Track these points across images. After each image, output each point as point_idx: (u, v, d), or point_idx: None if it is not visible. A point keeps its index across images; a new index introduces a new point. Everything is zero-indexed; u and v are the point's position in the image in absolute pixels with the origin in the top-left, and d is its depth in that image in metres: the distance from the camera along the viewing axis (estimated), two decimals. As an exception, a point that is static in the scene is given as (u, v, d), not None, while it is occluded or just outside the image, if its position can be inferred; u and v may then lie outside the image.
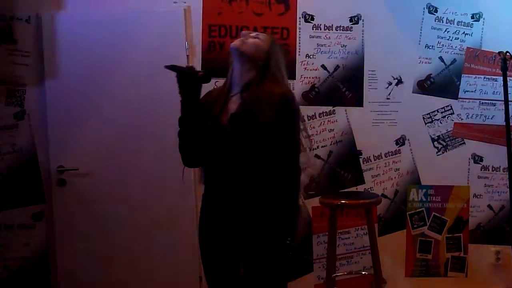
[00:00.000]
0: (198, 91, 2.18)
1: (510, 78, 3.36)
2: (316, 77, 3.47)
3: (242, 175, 2.11)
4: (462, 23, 3.51)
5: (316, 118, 3.49)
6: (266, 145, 2.07)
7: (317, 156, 3.49)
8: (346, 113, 3.50)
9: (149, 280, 3.36)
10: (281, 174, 2.10)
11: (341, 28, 3.48)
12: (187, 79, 2.14)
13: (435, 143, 3.54)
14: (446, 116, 3.53)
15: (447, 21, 3.50)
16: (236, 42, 2.19)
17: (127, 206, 3.34)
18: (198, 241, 2.27)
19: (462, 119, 3.53)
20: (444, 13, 3.50)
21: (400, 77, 3.51)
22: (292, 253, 2.10)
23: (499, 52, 3.12)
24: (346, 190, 3.49)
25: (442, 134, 3.54)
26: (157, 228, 3.33)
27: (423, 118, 3.53)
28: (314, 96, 3.48)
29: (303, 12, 3.45)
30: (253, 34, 2.24)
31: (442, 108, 3.53)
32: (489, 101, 3.52)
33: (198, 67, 3.37)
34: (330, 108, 3.49)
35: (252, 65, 2.17)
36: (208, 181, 2.23)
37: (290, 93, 2.20)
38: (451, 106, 3.53)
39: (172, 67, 2.14)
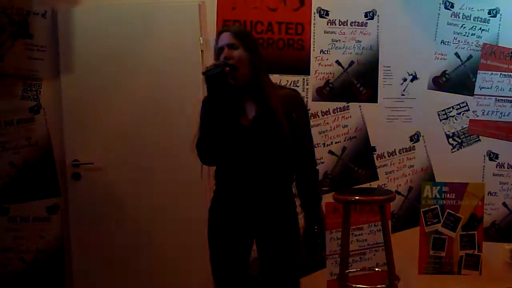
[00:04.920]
0: (227, 88, 2.13)
1: (527, 74, 3.34)
2: (330, 72, 3.46)
3: (266, 170, 2.19)
4: (479, 19, 3.47)
5: (330, 114, 3.47)
6: (290, 142, 2.19)
7: (330, 152, 3.48)
8: (360, 109, 3.48)
9: (161, 275, 3.38)
10: (307, 167, 2.27)
11: (356, 23, 3.46)
12: (217, 79, 2.08)
13: (450, 139, 3.52)
14: (462, 113, 3.50)
15: (464, 16, 3.47)
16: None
17: (141, 201, 3.36)
18: (209, 235, 2.37)
19: (477, 116, 3.50)
20: (461, 8, 3.46)
21: (415, 73, 3.48)
22: (321, 240, 2.26)
23: (517, 48, 3.09)
24: (359, 186, 3.48)
25: (457, 131, 3.51)
26: (170, 223, 3.35)
27: (438, 114, 3.50)
28: (328, 91, 3.47)
29: (318, 7, 3.43)
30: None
31: (457, 105, 3.50)
32: (505, 98, 3.49)
33: (211, 61, 3.39)
34: (344, 104, 3.48)
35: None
36: (226, 177, 2.27)
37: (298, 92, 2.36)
38: (466, 103, 3.50)
39: (206, 73, 2.09)
